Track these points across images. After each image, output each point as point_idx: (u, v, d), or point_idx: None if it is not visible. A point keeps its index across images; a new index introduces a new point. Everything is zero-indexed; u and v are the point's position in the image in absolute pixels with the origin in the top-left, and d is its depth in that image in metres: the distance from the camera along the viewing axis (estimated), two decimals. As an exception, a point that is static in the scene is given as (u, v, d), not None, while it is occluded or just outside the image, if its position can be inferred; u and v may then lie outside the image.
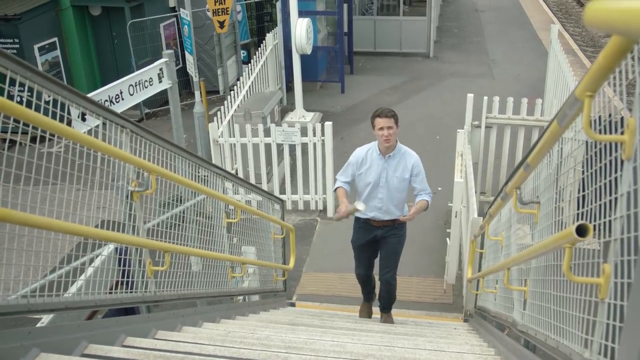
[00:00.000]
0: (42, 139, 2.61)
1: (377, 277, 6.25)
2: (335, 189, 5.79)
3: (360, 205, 5.37)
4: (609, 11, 1.03)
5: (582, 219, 2.22)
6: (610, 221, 2.01)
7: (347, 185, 5.77)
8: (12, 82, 2.42)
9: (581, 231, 2.03)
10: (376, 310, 6.47)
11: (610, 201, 2.02)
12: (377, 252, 6.01)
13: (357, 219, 5.91)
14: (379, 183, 5.58)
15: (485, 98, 8.49)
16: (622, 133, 1.85)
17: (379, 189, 5.59)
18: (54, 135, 2.55)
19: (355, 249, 6.07)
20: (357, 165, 5.66)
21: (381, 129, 5.36)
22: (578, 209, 2.38)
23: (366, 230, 5.85)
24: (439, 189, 9.86)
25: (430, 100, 13.71)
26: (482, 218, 5.70)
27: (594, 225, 2.10)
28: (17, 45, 12.22)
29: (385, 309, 6.35)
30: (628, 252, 1.81)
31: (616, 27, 1.04)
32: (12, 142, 2.46)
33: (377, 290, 6.42)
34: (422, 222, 9.08)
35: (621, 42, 1.53)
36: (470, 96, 8.54)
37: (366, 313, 6.54)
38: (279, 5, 13.27)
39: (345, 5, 14.50)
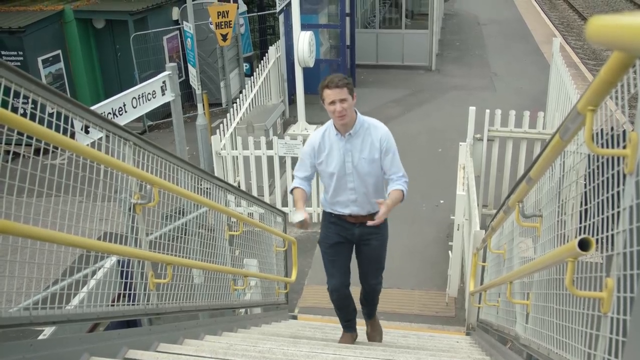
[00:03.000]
0: (45, 151, 2.63)
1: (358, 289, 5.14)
2: (292, 190, 4.69)
3: (296, 216, 4.28)
4: (611, 27, 1.04)
5: (584, 233, 2.22)
6: (612, 235, 2.01)
7: (307, 183, 4.68)
8: (17, 95, 2.43)
9: (584, 245, 2.03)
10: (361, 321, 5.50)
11: (613, 215, 2.02)
12: (352, 254, 4.91)
13: (328, 215, 4.77)
14: (345, 170, 4.49)
15: (488, 111, 8.51)
16: (624, 147, 1.85)
17: (347, 177, 4.51)
18: (57, 148, 2.56)
19: (326, 251, 4.84)
20: (313, 153, 4.56)
21: (332, 103, 4.26)
22: (580, 222, 2.38)
23: (340, 226, 4.71)
24: (441, 201, 9.87)
25: (432, 113, 13.73)
26: (484, 231, 5.69)
27: (597, 239, 2.10)
28: (21, 58, 12.30)
29: (370, 315, 5.37)
30: (631, 266, 1.80)
31: (618, 43, 1.04)
32: (15, 154, 2.47)
33: (359, 303, 5.31)
34: (424, 234, 9.09)
35: (623, 57, 1.54)
36: (472, 109, 8.55)
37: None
38: (281, 18, 13.34)
39: (347, 19, 14.56)
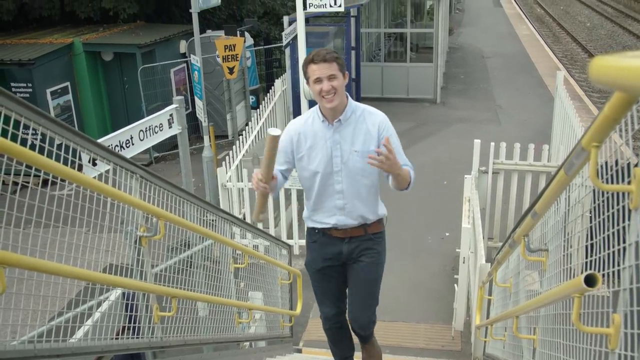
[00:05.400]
0: (53, 182, 2.65)
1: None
2: None
3: (273, 131, 3.16)
4: (613, 68, 1.05)
5: (590, 268, 2.21)
6: (619, 270, 2.00)
7: (280, 175, 3.74)
8: (26, 127, 2.46)
9: (590, 281, 2.03)
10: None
11: (619, 250, 2.01)
12: (344, 277, 4.07)
13: (311, 232, 3.97)
14: (333, 167, 3.62)
15: (492, 144, 8.53)
16: (629, 182, 1.85)
17: (334, 176, 3.63)
18: (64, 180, 2.58)
19: (313, 277, 4.12)
20: (291, 146, 3.70)
21: (318, 81, 3.47)
22: (587, 257, 2.37)
23: (325, 245, 3.89)
24: (447, 234, 9.84)
25: (437, 145, 13.77)
26: (490, 264, 5.66)
27: (603, 274, 2.09)
28: (30, 90, 12.44)
29: (365, 339, 4.42)
30: (638, 303, 1.80)
31: (619, 84, 1.06)
32: (23, 186, 2.49)
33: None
34: (429, 267, 9.05)
35: (626, 95, 1.55)
36: (477, 142, 8.58)
37: None
38: (287, 51, 13.49)
39: (352, 52, 14.70)
